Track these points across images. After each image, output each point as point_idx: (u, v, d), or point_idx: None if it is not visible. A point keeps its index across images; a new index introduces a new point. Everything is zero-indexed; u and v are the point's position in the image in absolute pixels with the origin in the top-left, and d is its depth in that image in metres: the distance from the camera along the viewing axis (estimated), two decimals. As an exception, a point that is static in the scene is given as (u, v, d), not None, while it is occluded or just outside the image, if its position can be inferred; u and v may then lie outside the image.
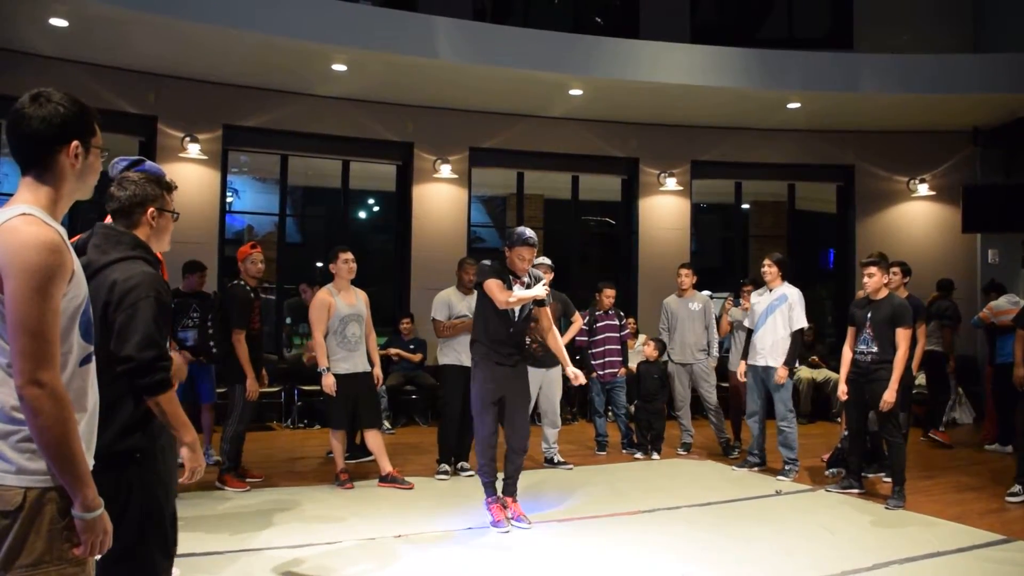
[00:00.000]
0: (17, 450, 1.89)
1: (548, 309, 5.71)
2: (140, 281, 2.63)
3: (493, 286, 5.32)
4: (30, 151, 2.01)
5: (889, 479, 6.35)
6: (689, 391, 8.17)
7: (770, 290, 7.25)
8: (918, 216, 11.74)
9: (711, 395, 8.14)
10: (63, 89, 2.06)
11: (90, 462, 2.01)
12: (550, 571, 4.60)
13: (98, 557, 2.04)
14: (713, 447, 8.25)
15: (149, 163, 3.86)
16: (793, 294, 7.14)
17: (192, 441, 2.75)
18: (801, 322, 7.08)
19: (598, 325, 8.09)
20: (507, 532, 5.28)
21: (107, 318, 2.60)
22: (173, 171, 9.20)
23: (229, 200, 12.19)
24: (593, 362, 8.11)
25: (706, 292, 8.39)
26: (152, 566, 2.65)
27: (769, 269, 7.25)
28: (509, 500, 5.51)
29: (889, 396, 5.96)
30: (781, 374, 7.00)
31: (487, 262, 5.62)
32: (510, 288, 5.38)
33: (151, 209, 2.83)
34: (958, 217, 11.40)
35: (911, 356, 6.58)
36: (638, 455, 7.91)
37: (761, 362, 7.14)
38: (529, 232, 5.48)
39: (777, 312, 7.11)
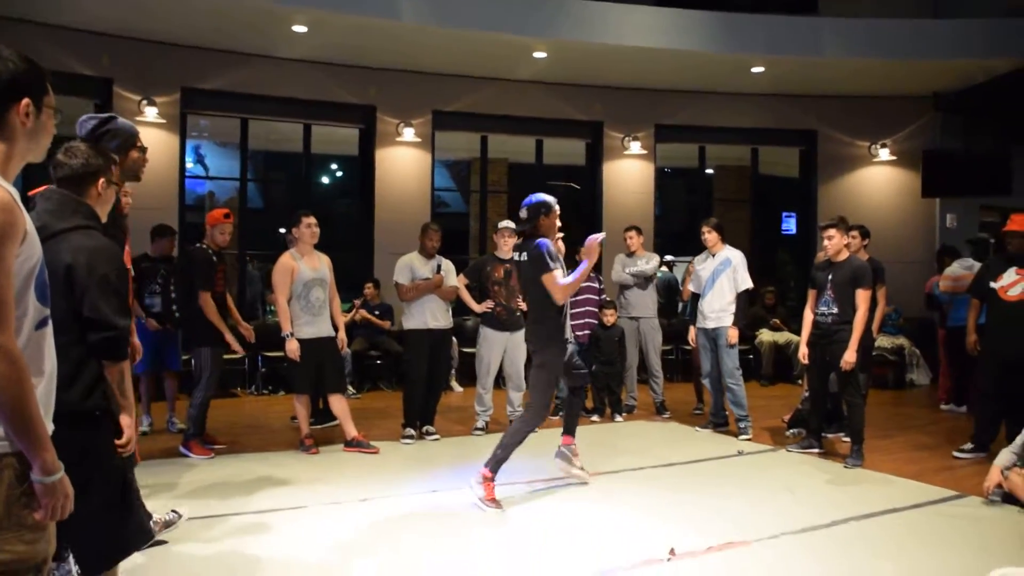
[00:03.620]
0: (-30, 417, 1.85)
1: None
2: (107, 250, 2.72)
3: (553, 279, 5.09)
4: None
5: (848, 439, 6.46)
6: (637, 351, 8.25)
7: (712, 255, 7.41)
8: (879, 180, 11.87)
9: (656, 358, 8.25)
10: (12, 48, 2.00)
11: (49, 426, 1.97)
12: (514, 533, 4.63)
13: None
14: (684, 408, 8.39)
15: (121, 120, 3.74)
16: (736, 256, 7.35)
17: (132, 412, 2.87)
18: (746, 283, 7.32)
19: (581, 286, 8.02)
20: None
21: (72, 280, 2.64)
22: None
23: (189, 165, 11.99)
24: (572, 323, 8.07)
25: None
26: (121, 521, 2.76)
27: (709, 235, 7.43)
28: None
29: (849, 356, 6.05)
30: (732, 334, 7.20)
31: (543, 248, 5.15)
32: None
33: (101, 181, 2.87)
34: (918, 182, 11.56)
35: (871, 318, 6.69)
36: (595, 418, 7.96)
37: (711, 325, 7.31)
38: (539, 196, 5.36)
39: (723, 276, 7.29)
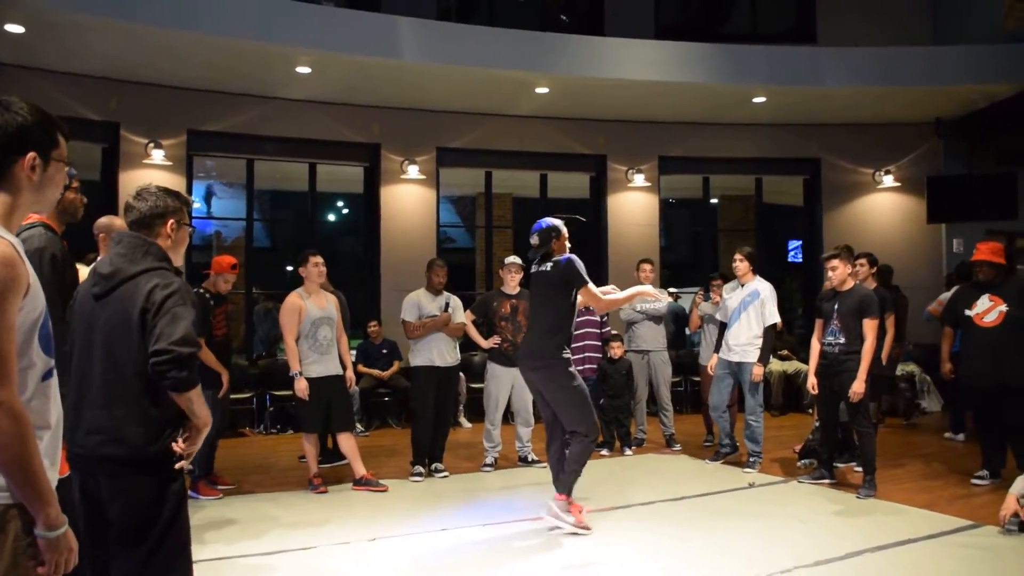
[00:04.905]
0: (-25, 468, 1.84)
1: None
2: (179, 288, 2.72)
3: (592, 290, 5.28)
4: None
5: (860, 469, 6.40)
6: (647, 385, 8.22)
7: (741, 285, 7.26)
8: (884, 207, 11.87)
9: (665, 391, 8.21)
10: (23, 97, 2.00)
11: (54, 477, 1.96)
12: (526, 569, 4.59)
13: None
14: (694, 441, 8.33)
15: None
16: (765, 289, 7.16)
17: (201, 428, 2.81)
18: (774, 317, 7.12)
19: (578, 320, 8.01)
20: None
21: (144, 323, 2.66)
22: (138, 177, 9.12)
23: (196, 205, 12.08)
24: (572, 357, 8.04)
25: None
26: (187, 556, 2.81)
27: (740, 263, 7.26)
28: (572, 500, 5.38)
29: (858, 387, 6.01)
30: (757, 372, 7.05)
31: (576, 261, 5.35)
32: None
33: (171, 221, 2.88)
34: (923, 208, 11.55)
35: (880, 347, 6.65)
36: (604, 452, 7.89)
37: (735, 358, 7.17)
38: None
39: (750, 308, 7.12)
